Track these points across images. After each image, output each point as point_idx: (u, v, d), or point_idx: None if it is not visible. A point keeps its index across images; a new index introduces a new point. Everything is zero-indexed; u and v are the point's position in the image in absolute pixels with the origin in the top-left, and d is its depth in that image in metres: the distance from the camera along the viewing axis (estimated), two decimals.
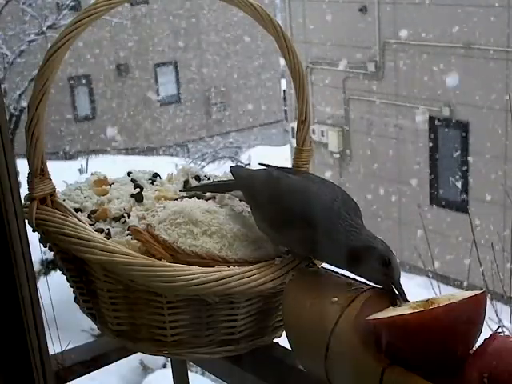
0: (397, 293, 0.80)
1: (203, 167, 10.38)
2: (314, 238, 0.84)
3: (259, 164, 1.02)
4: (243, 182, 0.99)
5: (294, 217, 0.87)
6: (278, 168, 0.98)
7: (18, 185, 0.71)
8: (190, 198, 1.01)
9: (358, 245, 0.81)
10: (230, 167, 1.05)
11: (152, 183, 1.10)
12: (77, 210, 1.00)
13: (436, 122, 7.51)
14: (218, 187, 1.05)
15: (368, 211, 7.70)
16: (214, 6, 13.45)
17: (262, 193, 0.94)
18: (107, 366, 1.15)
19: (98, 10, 0.92)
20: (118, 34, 12.97)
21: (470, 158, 7.24)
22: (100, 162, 10.81)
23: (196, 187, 1.07)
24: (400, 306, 0.77)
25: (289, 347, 0.88)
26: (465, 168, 7.31)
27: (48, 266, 5.18)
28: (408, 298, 0.79)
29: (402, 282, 0.81)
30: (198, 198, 1.02)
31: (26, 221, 0.86)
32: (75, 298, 1.03)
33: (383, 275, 0.80)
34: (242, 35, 13.68)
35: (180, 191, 1.06)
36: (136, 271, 0.86)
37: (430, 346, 0.71)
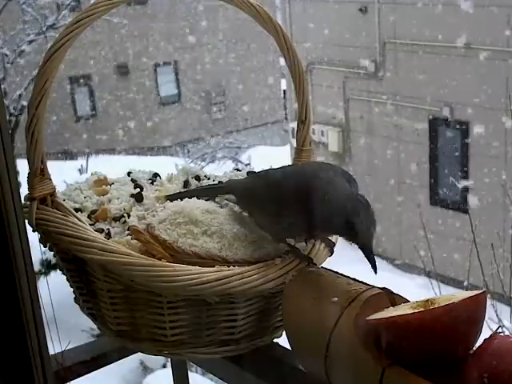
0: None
1: (203, 167, 10.37)
2: (312, 212, 0.86)
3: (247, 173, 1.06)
4: (234, 185, 1.00)
5: (290, 198, 0.89)
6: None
7: (18, 185, 0.71)
8: (189, 197, 1.01)
9: (334, 203, 0.83)
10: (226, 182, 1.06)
11: (152, 183, 1.10)
12: (77, 210, 1.00)
13: (436, 122, 7.50)
14: (207, 192, 1.04)
15: None
16: (214, 6, 13.44)
17: (256, 188, 0.96)
18: (107, 366, 1.15)
19: (97, 9, 0.92)
20: (117, 34, 12.96)
21: (470, 158, 7.24)
22: (100, 162, 10.81)
23: (181, 193, 1.05)
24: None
25: (289, 347, 0.88)
26: (465, 168, 7.31)
27: (48, 266, 5.18)
28: (373, 274, 0.79)
29: (401, 281, 0.81)
30: (198, 198, 1.02)
31: (26, 221, 0.86)
32: (75, 298, 1.03)
33: (347, 236, 0.82)
34: (242, 35, 13.68)
35: (166, 197, 1.04)
36: (136, 271, 0.86)
37: (431, 345, 0.71)
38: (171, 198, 1.03)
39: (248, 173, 1.10)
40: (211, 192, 1.04)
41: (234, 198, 1.01)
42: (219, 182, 1.11)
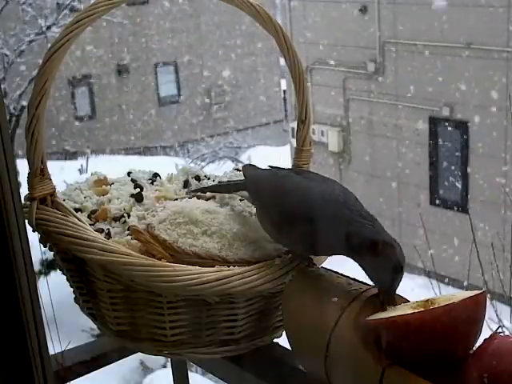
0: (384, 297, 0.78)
1: (203, 167, 10.37)
2: (317, 236, 0.84)
3: (268, 166, 1.01)
4: (250, 181, 0.99)
5: (295, 216, 0.86)
6: (283, 169, 0.98)
7: (18, 185, 0.71)
8: (189, 197, 1.01)
9: (375, 238, 0.78)
10: (243, 166, 1.04)
11: (152, 183, 1.10)
12: (77, 210, 1.00)
13: (436, 122, 7.51)
14: (228, 188, 1.05)
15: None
16: (214, 6, 13.45)
17: (267, 193, 0.94)
18: (107, 366, 1.15)
19: (97, 9, 0.92)
20: (118, 33, 12.96)
21: (470, 158, 7.24)
22: (100, 162, 10.81)
23: (205, 188, 1.06)
24: (387, 310, 0.77)
25: (289, 347, 0.88)
26: (465, 168, 7.31)
27: (48, 266, 5.18)
28: (395, 303, 0.77)
29: (401, 282, 0.81)
30: (198, 198, 1.02)
31: (26, 221, 0.86)
32: (75, 298, 1.03)
33: (388, 279, 0.78)
34: (242, 35, 13.67)
35: (188, 192, 1.05)
36: (136, 271, 0.86)
37: (431, 345, 0.71)
38: (193, 192, 1.05)
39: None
40: (231, 188, 1.04)
41: (247, 194, 1.00)
42: (219, 182, 1.10)
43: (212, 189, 1.05)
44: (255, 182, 0.98)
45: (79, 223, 0.92)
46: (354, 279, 0.84)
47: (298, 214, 0.86)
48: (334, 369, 0.78)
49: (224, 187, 1.06)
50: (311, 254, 0.90)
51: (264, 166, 1.07)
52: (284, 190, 0.90)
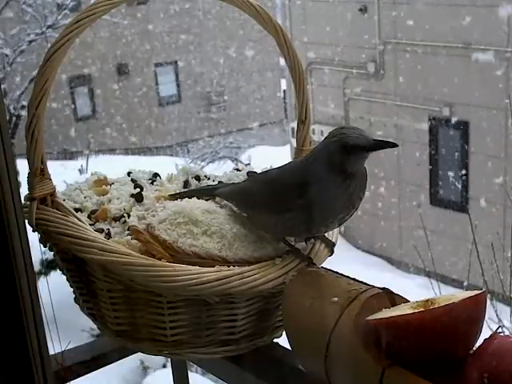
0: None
1: (203, 167, 10.36)
2: (312, 199, 0.88)
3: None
4: (234, 194, 1.01)
5: (294, 187, 0.90)
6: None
7: (18, 185, 0.71)
8: (189, 197, 1.01)
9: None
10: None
11: (152, 183, 1.10)
12: (77, 210, 1.00)
13: (436, 122, 7.50)
14: (202, 193, 1.05)
15: (368, 211, 7.70)
16: (214, 6, 13.45)
17: (254, 189, 0.97)
18: (107, 366, 1.15)
19: (97, 9, 0.92)
20: (117, 33, 12.96)
21: (470, 158, 7.24)
22: (100, 162, 10.81)
23: (183, 192, 1.06)
24: None
25: (289, 347, 0.88)
26: (465, 168, 7.31)
27: (48, 266, 5.18)
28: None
29: (401, 281, 0.81)
30: (198, 198, 1.02)
31: (26, 221, 0.86)
32: (75, 298, 1.03)
33: (348, 158, 0.86)
34: (242, 35, 13.67)
35: (169, 195, 1.05)
36: (136, 271, 0.86)
37: (431, 345, 0.71)
38: (174, 196, 1.05)
39: (248, 173, 1.10)
40: (202, 193, 1.05)
41: (232, 202, 1.01)
42: (219, 182, 1.11)
43: (187, 194, 1.05)
44: (240, 193, 1.00)
45: (79, 223, 0.92)
46: (354, 279, 0.84)
47: (293, 186, 0.90)
48: (334, 369, 0.78)
49: (199, 192, 1.06)
50: (320, 222, 0.91)
51: (264, 166, 1.08)
52: (273, 174, 0.97)
